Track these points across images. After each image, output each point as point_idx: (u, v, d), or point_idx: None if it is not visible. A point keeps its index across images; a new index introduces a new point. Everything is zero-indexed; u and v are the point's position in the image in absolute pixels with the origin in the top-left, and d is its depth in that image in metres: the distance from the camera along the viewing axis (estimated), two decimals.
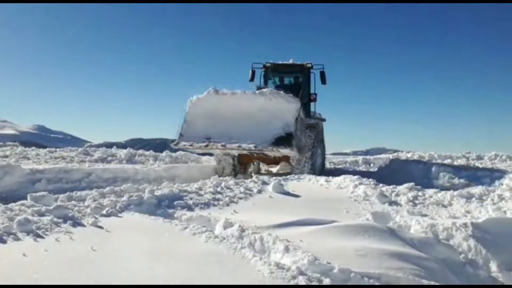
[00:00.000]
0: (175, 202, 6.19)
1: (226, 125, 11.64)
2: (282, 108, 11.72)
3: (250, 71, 15.10)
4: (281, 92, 12.25)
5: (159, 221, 5.16)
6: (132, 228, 4.73)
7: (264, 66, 15.36)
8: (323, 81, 14.87)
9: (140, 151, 16.11)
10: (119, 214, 5.33)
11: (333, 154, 31.15)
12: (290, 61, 15.55)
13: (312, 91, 15.33)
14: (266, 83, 15.51)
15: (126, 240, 4.23)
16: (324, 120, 15.75)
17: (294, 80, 15.82)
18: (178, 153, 16.41)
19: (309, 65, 15.21)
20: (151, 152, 16.33)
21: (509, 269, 4.90)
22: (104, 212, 5.24)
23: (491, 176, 11.93)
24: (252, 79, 15.11)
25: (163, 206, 5.96)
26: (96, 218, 4.93)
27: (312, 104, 15.47)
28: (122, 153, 14.86)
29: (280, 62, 15.56)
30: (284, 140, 11.29)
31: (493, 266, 4.96)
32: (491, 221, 5.72)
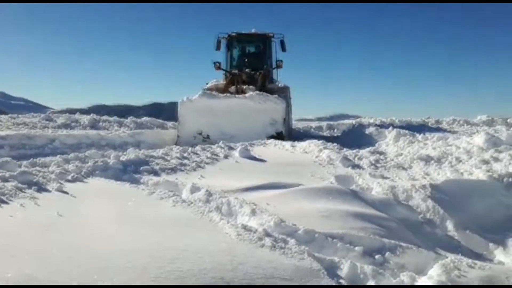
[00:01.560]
0: (141, 168, 6.16)
1: (219, 122, 12.52)
2: (271, 110, 12.82)
3: (216, 41, 15.82)
4: (268, 95, 13.32)
5: (125, 186, 5.13)
6: (98, 193, 4.70)
7: (228, 36, 16.27)
8: (283, 49, 15.93)
9: (104, 117, 15.81)
10: (85, 180, 5.26)
11: (298, 120, 31.58)
12: (253, 31, 16.63)
13: (274, 58, 16.51)
14: (231, 52, 16.55)
15: (92, 205, 4.20)
16: (287, 86, 16.72)
17: (256, 49, 16.90)
18: (143, 119, 16.25)
19: (271, 35, 16.35)
20: (115, 118, 16.05)
21: (464, 228, 5.16)
22: (69, 177, 5.16)
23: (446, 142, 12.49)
24: (218, 48, 15.87)
25: (129, 172, 5.92)
26: (61, 183, 4.85)
27: (275, 71, 16.53)
28: (86, 119, 14.56)
29: (243, 32, 16.59)
30: (275, 138, 12.11)
31: (450, 225, 5.21)
32: (448, 183, 5.98)
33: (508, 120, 19.62)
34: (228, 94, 13.62)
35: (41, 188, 4.65)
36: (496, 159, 6.72)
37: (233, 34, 16.34)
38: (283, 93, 15.09)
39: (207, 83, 15.94)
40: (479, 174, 6.13)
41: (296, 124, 23.53)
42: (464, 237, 4.96)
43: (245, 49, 16.95)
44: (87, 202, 4.31)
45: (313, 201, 5.10)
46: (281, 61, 16.17)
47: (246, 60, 16.09)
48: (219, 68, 15.76)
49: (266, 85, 15.09)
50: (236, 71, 15.39)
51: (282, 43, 15.91)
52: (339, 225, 4.36)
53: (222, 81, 15.96)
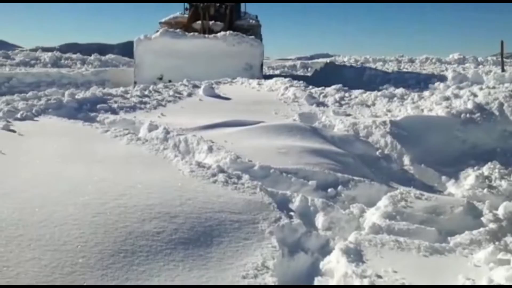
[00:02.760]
0: (98, 106, 5.97)
1: (183, 65, 10.73)
2: (247, 53, 11.35)
3: None
4: (244, 35, 11.66)
5: (78, 125, 4.98)
6: (48, 132, 4.55)
7: None
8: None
9: (67, 55, 15.16)
10: (36, 118, 5.06)
11: (278, 59, 31.29)
12: None
13: None
14: None
15: (40, 143, 4.07)
16: (258, 23, 14.88)
17: None
18: (107, 56, 15.68)
19: None
20: (79, 55, 15.40)
21: (420, 162, 5.27)
22: (18, 116, 4.96)
23: (417, 78, 12.67)
24: None
25: (85, 110, 5.74)
26: (8, 121, 4.67)
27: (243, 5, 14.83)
28: (47, 56, 13.92)
29: None
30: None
31: (406, 160, 5.32)
32: (408, 119, 6.03)
33: (479, 59, 19.87)
34: (196, 34, 11.90)
35: None
36: (457, 96, 6.77)
37: None
38: (255, 31, 13.60)
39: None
40: (438, 111, 6.19)
41: (270, 64, 23.30)
42: (419, 170, 5.09)
43: None
44: (35, 140, 4.17)
45: (272, 138, 5.08)
46: None
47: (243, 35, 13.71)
48: None
49: (234, 21, 13.52)
50: (200, 3, 13.37)
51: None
52: (295, 161, 4.38)
53: (181, 14, 13.97)
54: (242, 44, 11.48)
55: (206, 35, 11.93)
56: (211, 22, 12.73)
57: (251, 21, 14.45)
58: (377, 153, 5.35)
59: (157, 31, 11.75)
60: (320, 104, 7.41)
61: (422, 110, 6.65)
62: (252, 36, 11.99)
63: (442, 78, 12.38)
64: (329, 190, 3.91)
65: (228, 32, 11.75)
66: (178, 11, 14.35)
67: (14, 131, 4.45)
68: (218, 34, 11.71)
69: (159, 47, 11.11)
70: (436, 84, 11.00)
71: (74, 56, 15.06)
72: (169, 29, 11.99)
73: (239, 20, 13.99)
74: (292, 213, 3.33)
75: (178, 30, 12.00)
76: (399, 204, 3.48)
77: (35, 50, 19.10)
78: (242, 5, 14.86)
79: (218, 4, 13.27)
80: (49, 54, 14.41)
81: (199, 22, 12.77)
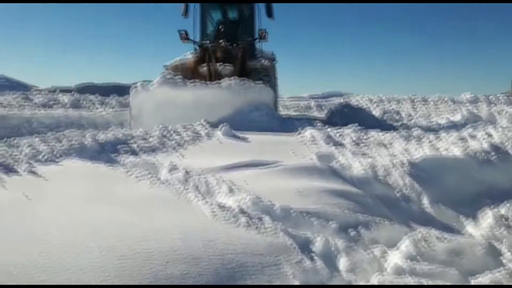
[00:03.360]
0: (119, 147, 6.07)
1: (186, 117, 9.22)
2: (254, 101, 10.28)
3: (183, 5, 12.93)
4: (252, 83, 10.56)
5: (101, 167, 5.05)
6: (71, 175, 4.63)
7: None
8: (270, 13, 12.86)
9: (86, 95, 15.54)
10: (58, 161, 5.14)
11: (290, 98, 31.44)
12: None
13: (257, 26, 13.43)
14: (202, 18, 13.53)
15: (64, 186, 4.15)
16: (274, 59, 13.81)
17: (235, 15, 13.83)
18: (126, 97, 15.99)
19: None
20: (98, 97, 15.73)
21: (438, 202, 5.27)
22: (41, 158, 5.05)
23: (432, 118, 12.81)
24: (185, 13, 12.93)
25: (106, 152, 5.84)
26: (31, 165, 4.75)
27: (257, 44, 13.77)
28: (66, 98, 14.28)
29: None
30: None
31: (425, 200, 5.31)
32: (426, 159, 6.06)
33: (490, 97, 19.93)
34: (197, 83, 10.60)
35: (9, 170, 4.54)
36: (473, 137, 6.83)
37: None
38: (269, 73, 12.51)
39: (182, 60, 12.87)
40: (455, 151, 6.22)
41: (284, 103, 23.47)
42: (438, 211, 5.08)
43: (221, 14, 13.48)
44: (58, 184, 4.25)
45: (291, 178, 5.13)
46: (265, 31, 12.76)
47: (222, 29, 12.93)
48: (186, 38, 12.53)
49: (247, 62, 12.40)
50: (209, 44, 12.30)
51: (268, 7, 12.62)
52: (315, 201, 4.40)
53: (190, 56, 12.84)
54: (249, 93, 10.37)
55: (209, 83, 10.78)
56: (219, 66, 11.66)
57: (263, 61, 13.07)
58: (396, 193, 5.36)
59: (163, 74, 10.85)
60: (338, 144, 7.47)
61: (439, 150, 6.68)
62: (261, 84, 10.85)
63: (456, 118, 12.47)
64: (351, 232, 3.90)
65: (233, 81, 10.61)
66: (189, 50, 13.32)
67: (38, 175, 4.53)
68: (223, 83, 10.57)
69: (158, 98, 10.01)
70: (451, 124, 11.06)
71: (93, 97, 15.36)
72: (169, 76, 10.78)
73: (251, 60, 12.84)
74: (314, 256, 3.33)
75: (178, 79, 10.71)
76: (420, 246, 3.46)
77: (53, 90, 19.47)
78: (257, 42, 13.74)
79: (229, 46, 12.16)
80: (69, 96, 14.77)
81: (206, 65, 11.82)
